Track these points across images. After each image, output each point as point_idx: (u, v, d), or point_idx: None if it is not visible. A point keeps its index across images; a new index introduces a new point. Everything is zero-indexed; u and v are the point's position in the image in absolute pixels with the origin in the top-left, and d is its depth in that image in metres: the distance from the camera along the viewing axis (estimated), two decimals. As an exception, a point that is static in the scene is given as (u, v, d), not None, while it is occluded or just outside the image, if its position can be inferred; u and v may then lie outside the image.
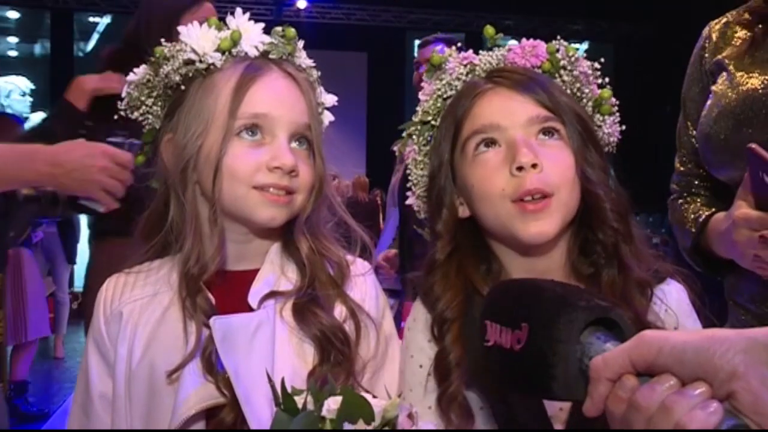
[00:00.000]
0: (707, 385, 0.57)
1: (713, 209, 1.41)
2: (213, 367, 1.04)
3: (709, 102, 1.40)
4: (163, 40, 1.15)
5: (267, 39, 1.14)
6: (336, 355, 1.07)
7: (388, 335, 1.17)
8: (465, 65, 1.13)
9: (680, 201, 1.51)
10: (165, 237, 1.15)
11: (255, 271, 1.14)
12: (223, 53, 1.12)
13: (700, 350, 0.57)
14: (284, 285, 1.12)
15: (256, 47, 1.13)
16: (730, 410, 0.56)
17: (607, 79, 1.16)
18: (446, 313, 1.07)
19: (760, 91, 1.32)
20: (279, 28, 1.16)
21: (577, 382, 0.65)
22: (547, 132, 1.06)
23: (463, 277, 1.09)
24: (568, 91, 1.12)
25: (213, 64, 1.11)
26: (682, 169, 1.53)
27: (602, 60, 1.15)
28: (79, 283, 9.09)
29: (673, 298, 1.08)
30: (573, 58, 1.13)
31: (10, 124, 4.62)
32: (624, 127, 1.17)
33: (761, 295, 1.34)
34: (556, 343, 0.66)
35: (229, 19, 1.14)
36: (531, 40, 1.14)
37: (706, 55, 1.47)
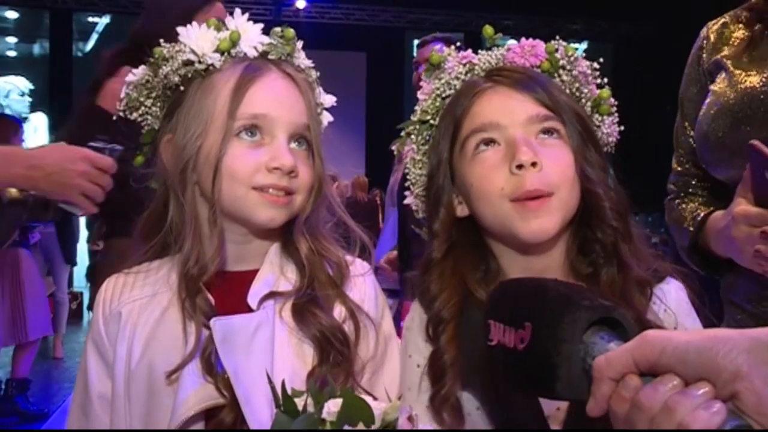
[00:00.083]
0: (710, 385, 0.57)
1: (711, 208, 1.41)
2: (212, 368, 1.04)
3: (707, 101, 1.40)
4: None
5: (266, 39, 1.14)
6: (335, 355, 1.07)
7: (387, 335, 1.17)
8: (464, 64, 1.13)
9: (677, 201, 1.51)
10: (164, 237, 1.15)
11: (254, 272, 1.14)
12: (222, 54, 1.11)
13: (703, 350, 0.57)
14: (284, 285, 1.12)
15: (255, 48, 1.13)
16: (733, 410, 0.56)
17: (605, 79, 1.16)
18: (442, 313, 1.07)
19: (759, 89, 1.32)
20: (278, 29, 1.16)
21: (581, 382, 0.65)
22: (547, 131, 1.06)
23: (458, 277, 1.09)
24: (567, 91, 1.12)
25: (212, 64, 1.11)
26: (679, 169, 1.53)
27: (601, 60, 1.15)
28: (78, 284, 9.10)
29: (672, 298, 1.08)
30: (572, 58, 1.13)
31: (8, 124, 4.62)
32: (623, 127, 1.17)
33: (758, 294, 1.34)
34: (560, 342, 0.66)
35: (228, 19, 1.14)
36: (530, 40, 1.14)
37: (704, 55, 1.47)
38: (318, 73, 1.20)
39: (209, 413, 1.04)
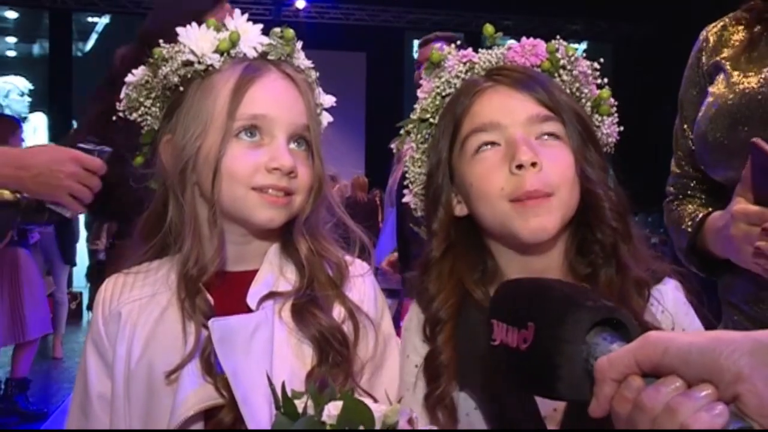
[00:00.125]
0: (713, 387, 0.57)
1: (710, 209, 1.42)
2: (212, 368, 1.04)
3: (706, 102, 1.41)
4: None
5: (266, 40, 1.14)
6: (334, 356, 1.07)
7: (386, 336, 1.17)
8: (464, 63, 1.13)
9: (676, 203, 1.51)
10: (164, 238, 1.15)
11: (254, 272, 1.14)
12: (221, 54, 1.11)
13: (705, 351, 0.57)
14: (283, 286, 1.12)
15: (255, 48, 1.13)
16: (735, 413, 0.56)
17: (605, 80, 1.15)
18: (440, 313, 1.08)
19: (757, 90, 1.33)
20: (278, 29, 1.16)
21: (583, 383, 0.65)
22: (547, 132, 1.06)
23: (456, 278, 1.09)
24: (568, 91, 1.12)
25: (211, 65, 1.11)
26: (678, 171, 1.53)
27: (602, 60, 1.15)
28: (78, 284, 9.11)
29: (669, 298, 1.08)
30: (572, 58, 1.13)
31: (6, 124, 4.62)
32: (623, 128, 1.17)
33: (755, 295, 1.34)
34: (563, 343, 0.66)
35: (227, 20, 1.14)
36: (531, 39, 1.14)
37: (704, 57, 1.47)
38: (318, 74, 1.20)
39: (208, 413, 1.04)
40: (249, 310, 1.10)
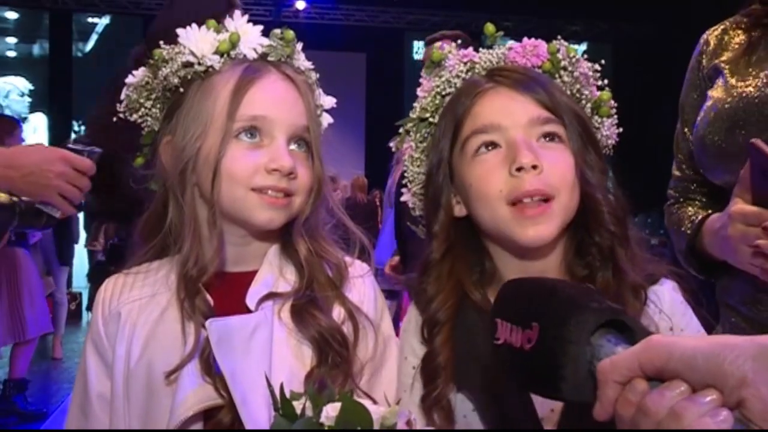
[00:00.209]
0: (718, 393, 0.56)
1: (709, 212, 1.42)
2: (211, 369, 1.04)
3: (705, 105, 1.41)
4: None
5: (266, 41, 1.14)
6: (334, 356, 1.07)
7: (386, 337, 1.17)
8: (465, 63, 1.13)
9: (677, 206, 1.52)
10: (164, 239, 1.15)
11: (253, 273, 1.14)
12: (221, 55, 1.11)
13: (709, 357, 0.57)
14: (282, 286, 1.12)
15: (255, 49, 1.13)
16: (740, 418, 0.56)
17: (606, 81, 1.15)
18: (438, 315, 1.08)
19: (755, 94, 1.33)
20: (278, 30, 1.16)
21: (586, 384, 0.65)
22: (548, 134, 1.05)
23: (455, 279, 1.09)
24: (568, 92, 1.12)
25: (211, 66, 1.11)
26: (679, 174, 1.53)
27: (602, 62, 1.15)
28: (77, 284, 9.11)
29: (666, 299, 1.08)
30: (574, 59, 1.13)
31: (6, 125, 4.61)
32: (622, 129, 1.16)
33: (752, 297, 1.34)
34: (567, 344, 0.65)
35: (227, 21, 1.14)
36: (532, 40, 1.14)
37: (704, 60, 1.47)
38: (318, 75, 1.20)
39: (208, 413, 1.04)
40: (248, 311, 1.10)
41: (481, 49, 1.15)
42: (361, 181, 7.68)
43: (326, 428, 0.77)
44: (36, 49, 12.00)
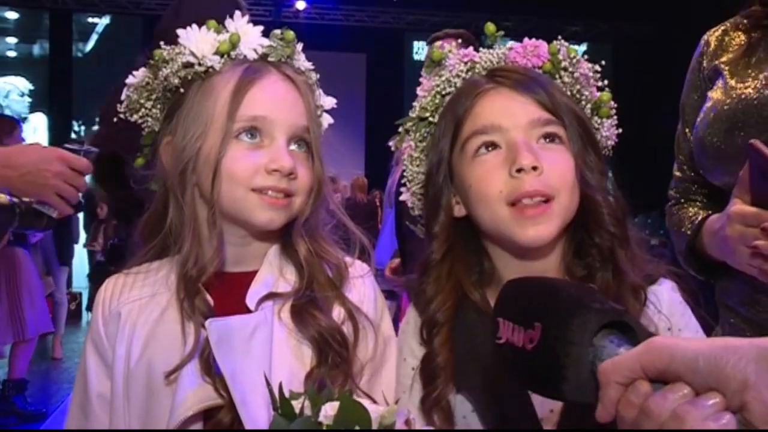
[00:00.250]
0: (721, 396, 0.56)
1: (709, 212, 1.42)
2: (211, 369, 1.04)
3: (705, 107, 1.41)
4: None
5: (266, 42, 1.14)
6: (334, 356, 1.07)
7: (386, 337, 1.17)
8: (465, 62, 1.13)
9: (678, 206, 1.52)
10: (164, 239, 1.15)
11: (253, 273, 1.14)
12: (221, 56, 1.12)
13: (711, 359, 0.57)
14: (282, 287, 1.12)
15: (255, 50, 1.13)
16: (742, 422, 0.56)
17: (606, 81, 1.15)
18: (437, 316, 1.08)
19: (753, 95, 1.33)
20: (278, 31, 1.16)
21: (589, 385, 0.65)
22: (548, 136, 1.05)
23: (454, 280, 1.09)
24: (568, 93, 1.11)
25: (212, 66, 1.11)
26: (680, 175, 1.53)
27: (603, 63, 1.15)
28: (77, 284, 9.11)
29: (664, 299, 1.07)
30: (574, 60, 1.12)
31: (5, 124, 4.61)
32: (622, 129, 1.16)
33: (751, 298, 1.34)
34: (569, 344, 0.65)
35: (228, 21, 1.14)
36: (533, 40, 1.14)
37: (704, 61, 1.48)
38: (318, 76, 1.20)
39: (207, 413, 1.04)
40: (248, 311, 1.10)
41: (481, 48, 1.15)
42: (360, 181, 7.68)
43: (325, 427, 0.77)
44: (36, 49, 12.01)
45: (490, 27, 1.16)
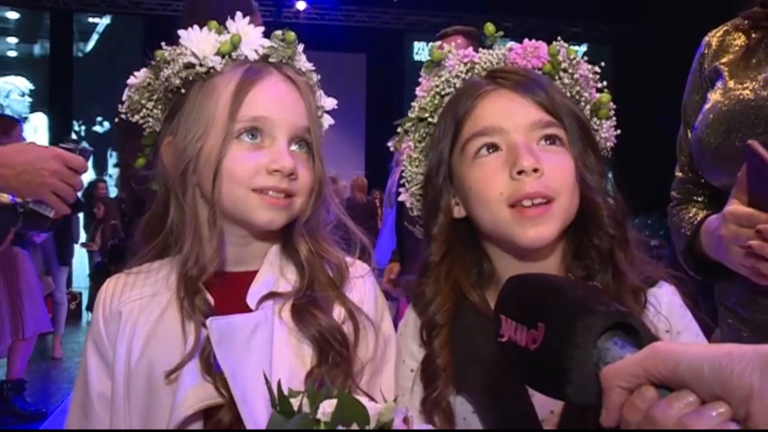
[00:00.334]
0: (727, 406, 0.56)
1: (709, 213, 1.42)
2: (211, 368, 1.04)
3: (704, 108, 1.41)
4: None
5: (267, 42, 1.15)
6: (334, 356, 1.07)
7: (386, 337, 1.17)
8: (465, 63, 1.13)
9: (679, 207, 1.52)
10: (165, 239, 1.15)
11: (254, 273, 1.14)
12: (223, 57, 1.12)
13: (716, 368, 0.56)
14: (283, 286, 1.13)
15: (256, 51, 1.13)
16: None
17: (605, 83, 1.15)
18: (436, 317, 1.08)
19: (751, 97, 1.33)
20: (279, 32, 1.16)
21: (592, 387, 0.64)
22: (549, 138, 1.05)
23: (453, 281, 1.09)
24: (568, 94, 1.11)
25: (213, 67, 1.11)
26: (681, 176, 1.54)
27: (603, 64, 1.15)
28: (77, 284, 9.11)
29: (664, 302, 1.07)
30: (574, 61, 1.12)
31: (6, 124, 4.61)
32: (622, 131, 1.16)
33: (749, 299, 1.34)
34: (573, 347, 0.65)
35: (229, 22, 1.15)
36: (533, 41, 1.14)
37: (705, 62, 1.48)
38: (319, 76, 1.20)
39: (208, 412, 1.04)
40: (249, 311, 1.10)
41: (481, 49, 1.15)
42: (360, 181, 7.68)
43: (322, 425, 0.77)
44: (37, 49, 12.00)
45: (489, 27, 1.16)
